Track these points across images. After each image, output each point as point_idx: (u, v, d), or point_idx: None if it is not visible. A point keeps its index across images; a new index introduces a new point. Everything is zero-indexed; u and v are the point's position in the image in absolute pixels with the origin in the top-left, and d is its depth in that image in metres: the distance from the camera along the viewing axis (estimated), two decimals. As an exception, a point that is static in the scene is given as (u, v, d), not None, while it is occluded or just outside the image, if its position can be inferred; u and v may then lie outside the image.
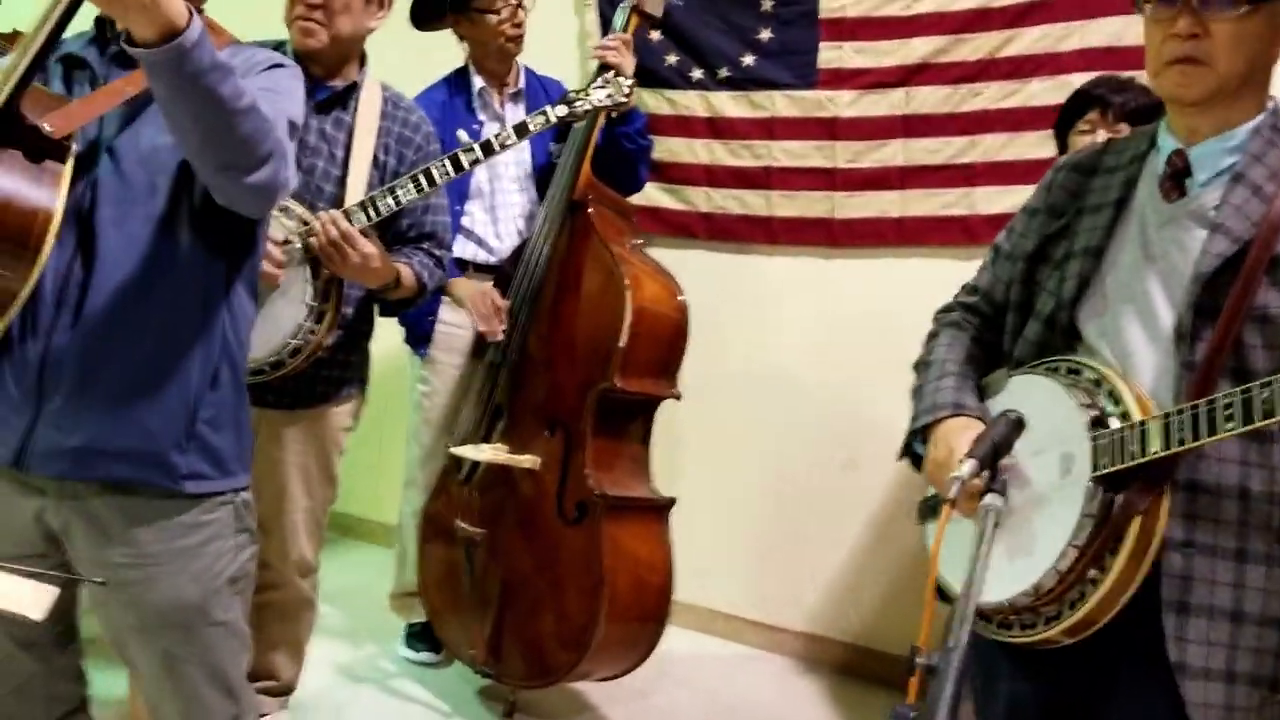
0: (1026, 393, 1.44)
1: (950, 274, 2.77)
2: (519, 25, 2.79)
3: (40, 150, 1.40)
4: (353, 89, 2.31)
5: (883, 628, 3.21)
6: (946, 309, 1.71)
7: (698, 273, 3.36)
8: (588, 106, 2.32)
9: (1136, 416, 1.30)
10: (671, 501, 2.74)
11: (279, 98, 1.54)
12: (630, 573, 2.62)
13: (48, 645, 1.64)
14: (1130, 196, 1.45)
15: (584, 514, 2.57)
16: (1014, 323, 1.56)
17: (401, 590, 3.04)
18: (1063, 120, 2.39)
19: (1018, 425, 1.28)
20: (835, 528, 3.26)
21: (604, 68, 2.66)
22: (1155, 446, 1.25)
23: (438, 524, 2.79)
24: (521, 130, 2.26)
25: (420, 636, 3.02)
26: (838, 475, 3.27)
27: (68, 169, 1.42)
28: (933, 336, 1.68)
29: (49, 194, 1.40)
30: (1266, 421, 1.16)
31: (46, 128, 1.39)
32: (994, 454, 1.24)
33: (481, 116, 2.83)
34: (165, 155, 1.51)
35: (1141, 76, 2.66)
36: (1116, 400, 1.33)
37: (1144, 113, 2.29)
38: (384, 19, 2.32)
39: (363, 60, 2.36)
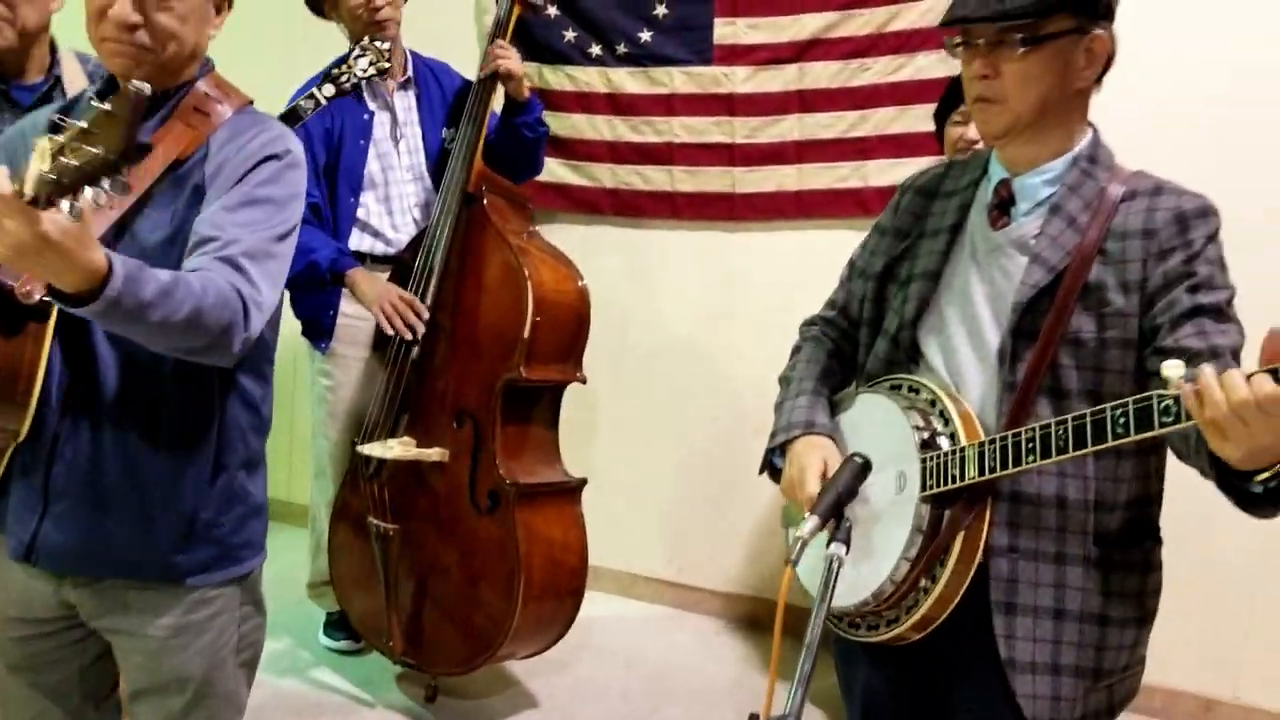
0: (870, 411, 1.53)
1: (846, 244, 2.87)
2: (380, 7, 2.71)
3: (17, 317, 1.38)
4: (51, 74, 2.14)
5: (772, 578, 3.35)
6: (810, 322, 1.79)
7: (604, 248, 3.43)
8: (354, 79, 2.38)
9: (962, 438, 1.39)
10: (582, 482, 2.81)
11: (266, 216, 1.49)
12: (545, 555, 2.70)
13: (81, 700, 1.66)
14: (964, 221, 1.53)
15: (497, 503, 2.64)
16: (866, 337, 1.64)
17: (318, 579, 3.08)
18: (940, 108, 2.45)
19: (862, 471, 1.37)
20: (744, 491, 3.37)
21: (495, 74, 2.70)
22: (972, 473, 1.35)
23: (349, 517, 2.85)
24: (292, 116, 2.30)
25: (338, 625, 3.08)
26: (745, 440, 3.37)
27: (49, 326, 1.40)
28: (795, 351, 1.76)
29: (32, 353, 1.39)
30: (1060, 457, 1.26)
31: (22, 294, 1.36)
32: (837, 505, 1.32)
33: (371, 106, 2.82)
34: (159, 260, 1.46)
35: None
36: (947, 420, 1.42)
37: None
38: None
39: (52, 47, 2.17)
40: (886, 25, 2.99)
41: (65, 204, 1.14)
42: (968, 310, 1.48)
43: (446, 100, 2.92)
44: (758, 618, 3.42)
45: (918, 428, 1.43)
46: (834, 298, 1.76)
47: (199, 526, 1.56)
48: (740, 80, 3.18)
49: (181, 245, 1.48)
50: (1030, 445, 1.28)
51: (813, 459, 1.50)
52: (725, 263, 3.34)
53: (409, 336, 2.67)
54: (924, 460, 1.41)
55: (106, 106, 1.13)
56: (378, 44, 2.40)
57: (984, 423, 1.42)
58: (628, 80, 3.31)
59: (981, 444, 1.36)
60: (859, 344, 1.67)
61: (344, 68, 2.38)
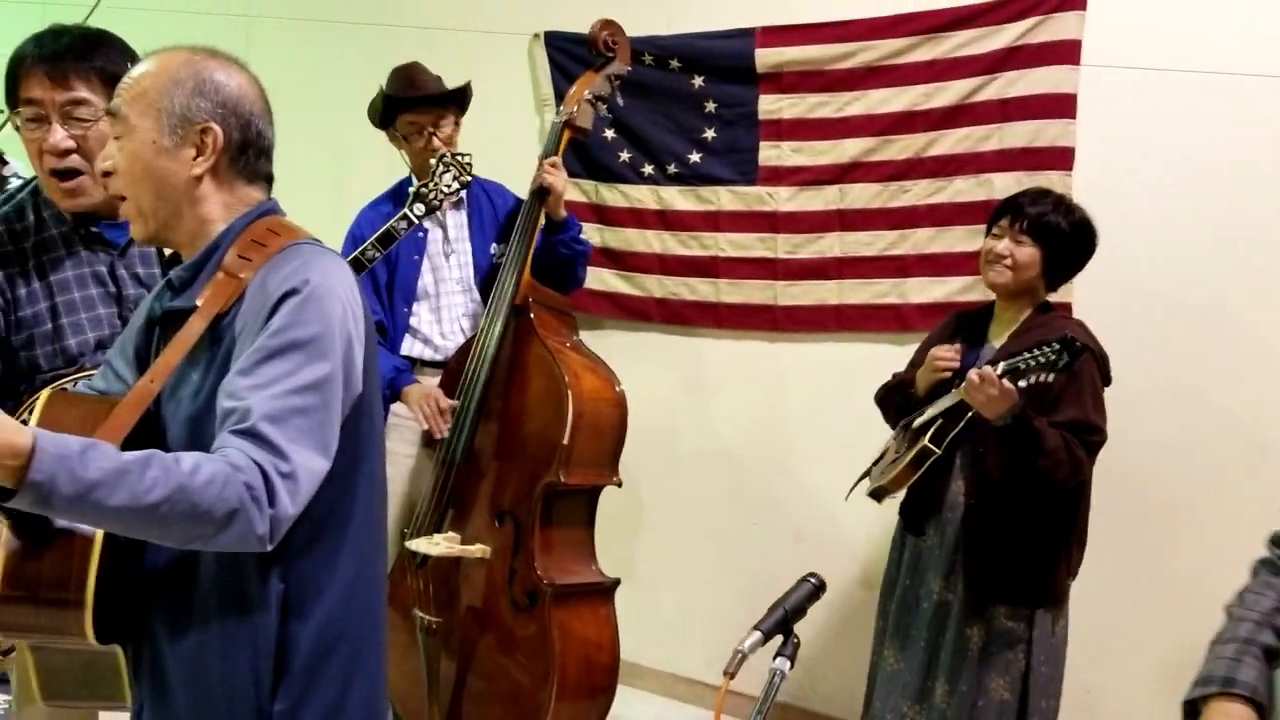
0: None
1: (885, 357, 2.98)
2: (435, 149, 2.89)
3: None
4: None
5: (824, 690, 3.36)
6: (1274, 540, 1.67)
7: (652, 354, 3.57)
8: (440, 196, 2.51)
9: None
10: (616, 582, 2.90)
11: (291, 366, 1.35)
12: (579, 654, 2.78)
13: None
14: None
15: (534, 601, 2.74)
16: None
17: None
18: (990, 220, 2.59)
19: (814, 593, 1.45)
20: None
21: (541, 191, 2.87)
22: None
23: (395, 606, 2.97)
24: (386, 239, 2.45)
25: (384, 711, 3.19)
26: (787, 545, 3.44)
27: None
28: (1254, 574, 1.66)
29: (80, 557, 1.35)
30: None
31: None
32: (784, 622, 1.40)
33: (426, 224, 3.02)
34: (198, 427, 1.41)
35: (1054, 179, 2.88)
36: None
37: (1049, 229, 2.46)
38: None
39: None
40: (925, 150, 3.12)
41: None
42: None
43: (498, 218, 3.11)
44: (792, 724, 3.44)
45: None
46: None
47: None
48: (783, 199, 3.32)
49: (206, 417, 1.39)
50: None
51: None
52: (767, 371, 3.45)
53: (440, 434, 2.83)
54: None
55: None
56: (459, 158, 2.55)
57: None
58: (677, 198, 3.48)
59: None
60: None
61: (431, 185, 2.54)
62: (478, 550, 2.80)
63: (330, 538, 1.44)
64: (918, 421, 2.55)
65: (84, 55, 1.88)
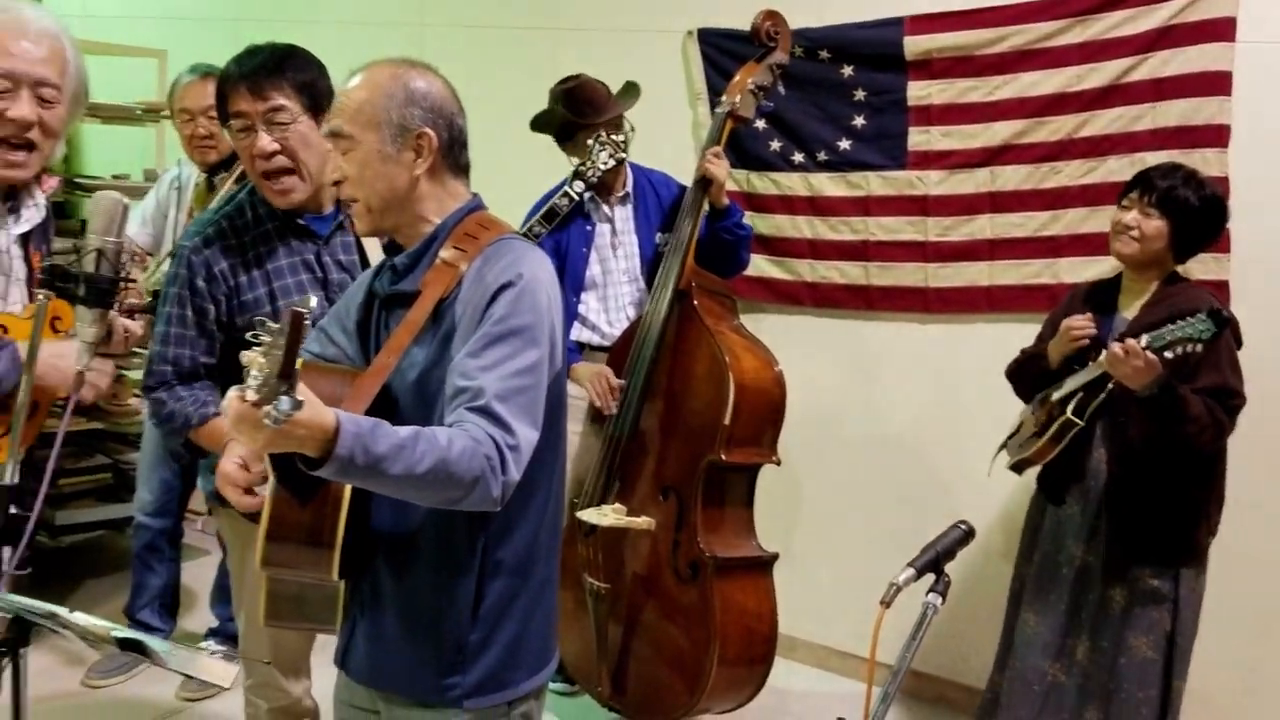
0: None
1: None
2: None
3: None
4: (341, 203, 2.38)
5: (976, 664, 3.43)
6: None
7: (805, 336, 3.69)
8: (598, 172, 2.65)
9: None
10: (774, 556, 3.04)
11: (511, 350, 1.54)
12: (739, 623, 2.94)
13: None
14: None
15: (696, 572, 2.91)
16: None
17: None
18: (1121, 193, 2.66)
19: (965, 537, 1.56)
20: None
21: (704, 180, 3.01)
22: None
23: (566, 573, 3.18)
24: (550, 215, 2.62)
25: (556, 668, 3.41)
26: (939, 522, 3.49)
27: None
28: None
29: (333, 507, 1.55)
30: None
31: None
32: (935, 562, 1.52)
33: (594, 219, 3.21)
34: (411, 398, 1.61)
35: (1209, 157, 2.88)
36: None
37: (1178, 202, 2.51)
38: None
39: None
40: (1077, 131, 3.15)
41: (284, 402, 1.25)
42: None
43: (662, 208, 3.27)
44: (946, 698, 3.52)
45: None
46: None
47: (468, 651, 1.65)
48: (933, 183, 3.39)
49: (429, 385, 1.60)
50: None
51: None
52: (918, 351, 3.53)
53: (609, 411, 3.00)
54: None
55: (278, 326, 1.24)
56: (614, 137, 2.71)
57: None
58: (827, 184, 3.58)
59: None
60: None
61: (589, 163, 2.72)
62: (643, 522, 2.97)
63: (524, 495, 1.62)
64: (1056, 395, 2.62)
65: (277, 69, 2.12)
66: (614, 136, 2.64)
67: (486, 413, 1.49)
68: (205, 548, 4.42)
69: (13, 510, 1.84)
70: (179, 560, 3.69)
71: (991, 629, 3.38)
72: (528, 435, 1.54)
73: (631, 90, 3.20)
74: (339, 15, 4.51)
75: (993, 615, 3.41)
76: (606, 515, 2.99)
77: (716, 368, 2.92)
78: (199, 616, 3.88)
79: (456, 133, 1.69)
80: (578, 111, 3.14)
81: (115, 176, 4.53)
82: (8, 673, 1.66)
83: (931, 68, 3.34)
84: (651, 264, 3.21)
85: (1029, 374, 2.79)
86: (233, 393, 1.30)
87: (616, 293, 3.23)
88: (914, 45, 3.35)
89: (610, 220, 3.22)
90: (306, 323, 1.23)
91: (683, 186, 3.26)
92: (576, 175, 2.70)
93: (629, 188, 3.26)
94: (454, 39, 4.21)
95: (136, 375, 4.05)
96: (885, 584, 3.74)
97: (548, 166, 3.29)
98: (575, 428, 3.24)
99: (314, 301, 1.25)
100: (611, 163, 2.66)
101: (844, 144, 3.53)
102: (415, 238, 1.69)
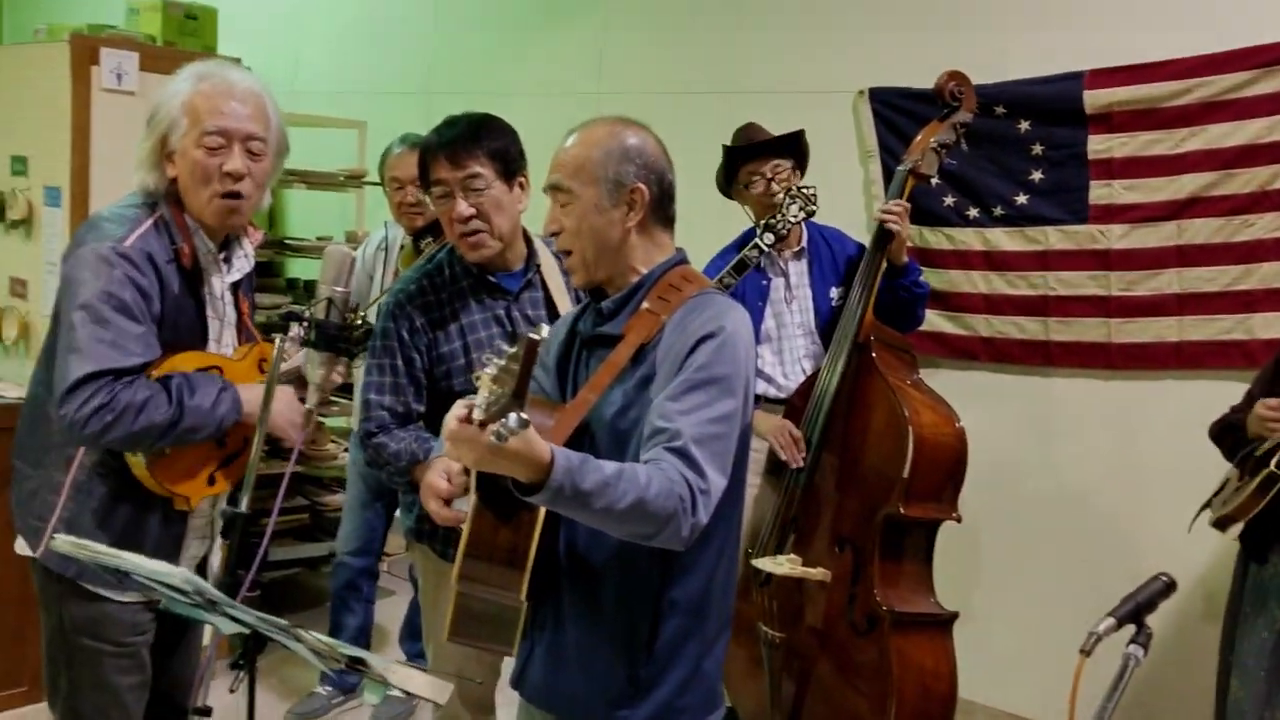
0: None
1: (1231, 395, 2.94)
2: (774, 194, 3.11)
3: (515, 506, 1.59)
4: (530, 262, 2.43)
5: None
6: None
7: (981, 392, 3.66)
8: (788, 225, 2.67)
9: None
10: (954, 615, 3.01)
11: (709, 398, 1.60)
12: (917, 682, 2.91)
13: None
14: None
15: (873, 625, 2.90)
16: None
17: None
18: None
19: (1166, 589, 1.53)
20: (1119, 639, 3.37)
21: (885, 231, 3.05)
22: None
23: (740, 621, 3.21)
24: (740, 266, 2.65)
25: (728, 718, 3.43)
26: (1122, 585, 3.39)
27: (540, 511, 1.63)
28: None
29: (527, 532, 1.65)
30: None
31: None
32: (1135, 612, 1.50)
33: (770, 274, 3.29)
34: (607, 434, 1.69)
35: None
36: None
37: None
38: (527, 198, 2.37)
39: (526, 237, 2.44)
40: (1271, 183, 3.06)
41: (512, 418, 1.32)
42: None
43: (837, 264, 3.32)
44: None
45: None
46: None
47: (640, 685, 1.70)
48: (1116, 237, 3.34)
49: (624, 423, 1.68)
50: None
51: None
52: (1101, 408, 3.45)
53: (796, 464, 3.05)
54: None
55: (512, 351, 1.32)
56: (805, 190, 2.76)
57: None
58: (1004, 239, 3.57)
59: None
60: None
61: (779, 215, 2.78)
62: (818, 573, 2.99)
63: (703, 539, 1.66)
64: (1260, 450, 2.53)
65: (473, 138, 2.27)
66: (804, 189, 2.70)
67: (683, 455, 1.56)
68: (392, 588, 4.64)
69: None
70: (374, 600, 3.88)
71: (1185, 691, 3.25)
72: (718, 481, 1.59)
73: (797, 136, 3.27)
74: (522, 86, 4.78)
75: (1184, 676, 3.28)
76: (782, 564, 3.03)
77: (896, 421, 2.93)
78: (388, 653, 4.08)
79: (666, 187, 1.79)
80: (737, 140, 3.25)
81: (319, 238, 4.87)
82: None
83: (1112, 121, 3.31)
84: (827, 319, 3.26)
85: (1229, 440, 2.72)
86: (457, 409, 1.39)
87: (791, 345, 3.29)
88: (1094, 99, 3.33)
89: (785, 274, 3.29)
90: (540, 350, 1.30)
91: (857, 244, 3.31)
92: (767, 227, 2.78)
93: (804, 243, 3.33)
94: (630, 105, 4.36)
95: (334, 422, 4.34)
96: (1067, 647, 3.64)
97: (720, 228, 3.40)
98: (752, 479, 3.29)
99: (545, 330, 1.31)
100: (802, 215, 2.72)
101: (1021, 198, 3.52)
102: (622, 286, 1.77)
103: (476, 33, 5.13)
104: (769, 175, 3.20)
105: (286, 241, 4.87)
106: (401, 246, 3.61)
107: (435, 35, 5.29)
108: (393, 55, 5.41)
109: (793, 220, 2.74)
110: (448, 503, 1.84)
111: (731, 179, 3.30)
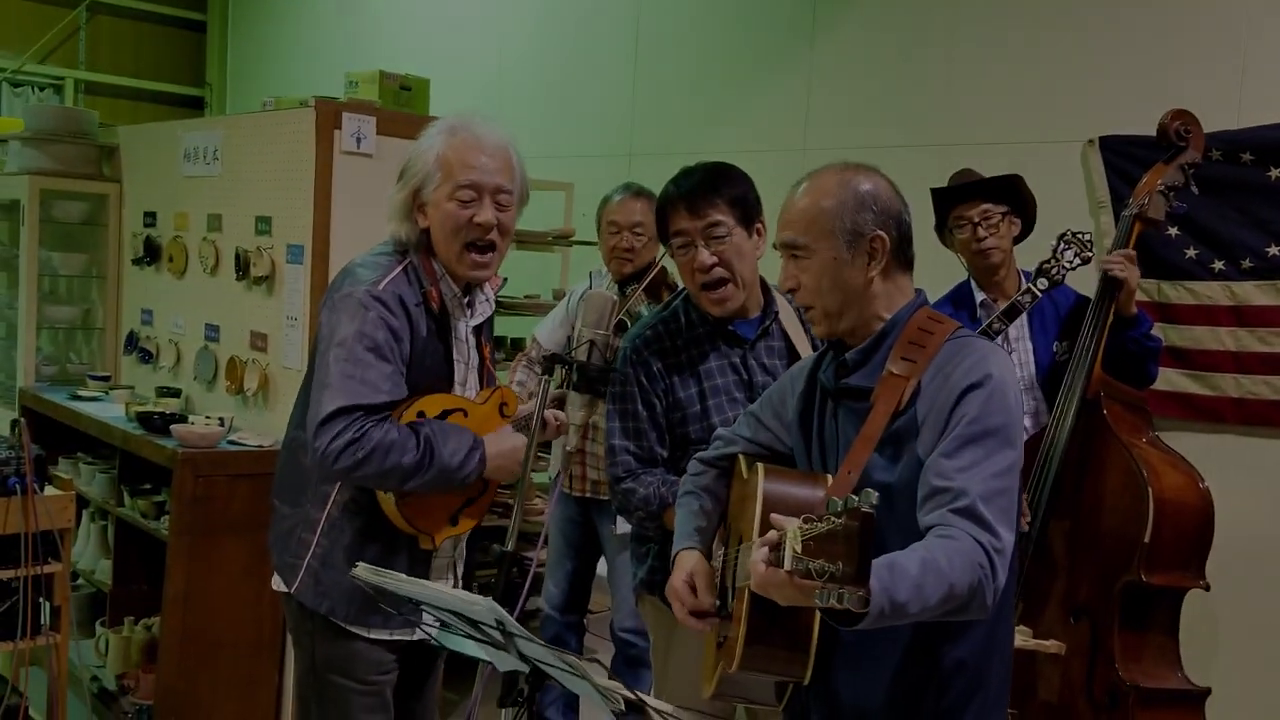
0: None
1: None
2: (982, 240, 2.98)
3: None
4: (768, 309, 2.39)
5: None
6: None
7: (1229, 456, 3.38)
8: (1064, 271, 2.52)
9: None
10: (1206, 691, 2.75)
11: (987, 453, 1.53)
12: (1169, 761, 2.67)
13: None
14: None
15: (1116, 703, 2.68)
16: None
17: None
18: None
19: None
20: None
21: (1111, 279, 2.87)
22: None
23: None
24: (1011, 312, 2.51)
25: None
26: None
27: None
28: None
29: (808, 618, 1.60)
30: None
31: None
32: None
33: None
34: (892, 494, 1.59)
35: None
36: None
37: None
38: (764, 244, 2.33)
39: (763, 284, 2.40)
40: None
41: (850, 598, 1.26)
42: None
43: (1059, 315, 3.14)
44: None
45: None
46: None
47: None
48: (1386, 289, 3.05)
49: (900, 488, 1.59)
50: None
51: None
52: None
53: (1022, 528, 2.86)
54: None
55: (842, 521, 1.24)
56: (1079, 236, 2.62)
57: None
58: (1254, 293, 3.32)
59: None
60: None
61: (1053, 260, 2.68)
62: (1052, 645, 2.79)
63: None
64: None
65: (712, 187, 2.26)
66: (1079, 235, 2.59)
67: (972, 515, 1.48)
68: (593, 647, 4.64)
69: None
70: (581, 656, 3.86)
71: None
72: (1009, 538, 1.51)
73: (1009, 180, 3.12)
74: (725, 144, 4.81)
75: None
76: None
77: (1133, 481, 2.73)
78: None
79: (905, 230, 1.72)
80: (950, 183, 3.12)
81: (527, 296, 5.01)
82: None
83: (1378, 164, 3.05)
84: (1047, 372, 3.09)
85: None
86: (761, 555, 1.35)
87: None
88: (1355, 141, 3.08)
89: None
90: (874, 523, 1.22)
91: (1080, 295, 3.13)
92: (1040, 272, 2.67)
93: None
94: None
95: (539, 477, 4.40)
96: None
97: (933, 285, 3.28)
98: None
99: (875, 498, 1.23)
100: (1078, 261, 2.60)
101: (1273, 250, 3.27)
102: (866, 335, 1.71)
103: (675, 94, 5.23)
104: (975, 220, 3.06)
105: (497, 299, 5.01)
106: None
107: (635, 97, 5.42)
108: (595, 118, 5.58)
109: (1068, 266, 2.61)
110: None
111: (942, 224, 3.20)
